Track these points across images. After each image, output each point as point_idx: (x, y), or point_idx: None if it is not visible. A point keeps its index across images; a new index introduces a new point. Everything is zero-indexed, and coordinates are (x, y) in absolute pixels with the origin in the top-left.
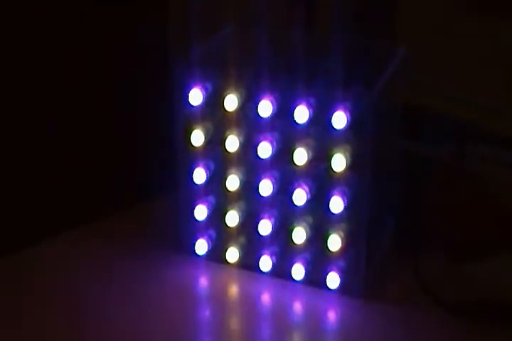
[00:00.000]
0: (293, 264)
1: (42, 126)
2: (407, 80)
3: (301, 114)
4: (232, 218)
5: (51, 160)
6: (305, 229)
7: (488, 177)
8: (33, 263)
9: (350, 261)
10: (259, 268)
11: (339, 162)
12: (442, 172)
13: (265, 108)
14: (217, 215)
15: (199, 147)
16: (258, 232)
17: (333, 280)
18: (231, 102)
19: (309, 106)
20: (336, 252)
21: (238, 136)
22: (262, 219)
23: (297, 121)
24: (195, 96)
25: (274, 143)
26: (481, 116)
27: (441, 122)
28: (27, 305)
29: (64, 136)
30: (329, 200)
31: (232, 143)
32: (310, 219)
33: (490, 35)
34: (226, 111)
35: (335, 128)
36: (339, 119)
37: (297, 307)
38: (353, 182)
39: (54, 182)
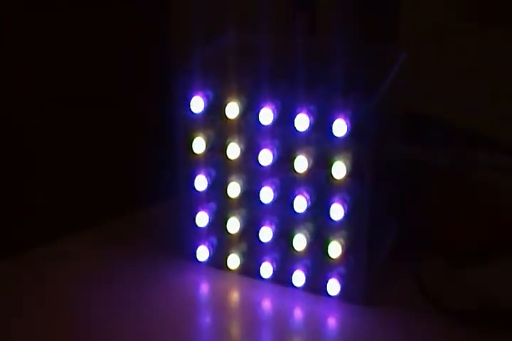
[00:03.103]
0: (293, 271)
1: (44, 129)
2: (408, 87)
3: (302, 121)
4: (233, 225)
5: (54, 164)
6: (305, 236)
7: (488, 183)
8: (33, 265)
9: (351, 267)
10: (259, 274)
11: (339, 169)
12: (443, 179)
13: (266, 115)
14: (218, 222)
15: (200, 154)
16: (259, 239)
17: (334, 286)
18: (232, 110)
19: (310, 113)
20: (337, 259)
21: (239, 143)
22: (262, 225)
23: (298, 128)
24: (197, 104)
25: (275, 151)
26: (481, 122)
27: (442, 128)
28: (27, 305)
29: (67, 141)
30: (329, 207)
31: (233, 150)
32: (310, 226)
33: (490, 44)
34: (227, 118)
35: (335, 136)
36: (340, 127)
37: (298, 313)
38: (354, 189)
39: (56, 185)
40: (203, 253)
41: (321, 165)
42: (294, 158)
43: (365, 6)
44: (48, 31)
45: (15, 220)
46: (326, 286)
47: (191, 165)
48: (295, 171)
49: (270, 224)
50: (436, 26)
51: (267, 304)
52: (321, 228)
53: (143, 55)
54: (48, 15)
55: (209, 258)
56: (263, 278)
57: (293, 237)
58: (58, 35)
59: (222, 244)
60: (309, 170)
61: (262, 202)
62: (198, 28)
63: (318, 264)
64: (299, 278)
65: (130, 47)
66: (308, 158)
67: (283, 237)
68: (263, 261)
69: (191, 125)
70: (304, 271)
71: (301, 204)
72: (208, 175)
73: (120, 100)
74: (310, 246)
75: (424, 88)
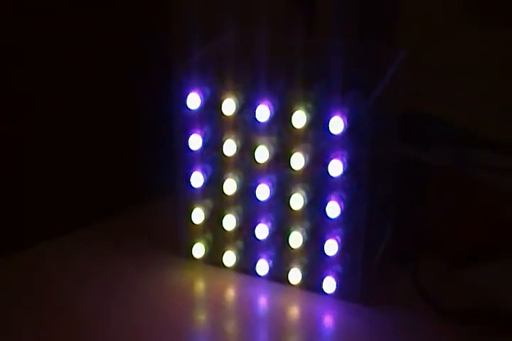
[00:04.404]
0: (290, 268)
1: (44, 127)
2: (406, 85)
3: (299, 118)
4: (230, 222)
5: (53, 162)
6: (302, 234)
7: (488, 183)
8: (33, 264)
9: (347, 265)
10: (255, 272)
11: (336, 167)
12: (441, 178)
13: (263, 112)
14: (214, 219)
15: (197, 151)
16: (255, 236)
17: (330, 284)
18: (229, 106)
19: (307, 110)
20: (333, 257)
21: (236, 140)
22: (259, 223)
23: (295, 125)
24: (193, 100)
25: (272, 148)
26: (480, 121)
27: (440, 127)
28: (27, 305)
29: (65, 139)
30: (326, 205)
31: (230, 147)
32: (307, 223)
33: (490, 44)
34: (224, 115)
35: (332, 133)
36: (337, 124)
37: (294, 311)
38: (350, 187)
39: (54, 183)
40: (199, 250)
41: (318, 163)
42: (291, 155)
43: (365, 5)
44: (47, 31)
45: (14, 219)
46: (322, 284)
47: (188, 161)
48: (292, 168)
49: (266, 222)
50: (436, 26)
51: (262, 301)
52: (317, 225)
53: (142, 54)
54: (47, 16)
55: (205, 255)
56: (259, 276)
57: (289, 235)
58: (58, 35)
59: (218, 241)
60: (306, 168)
61: (258, 199)
62: (197, 28)
63: (314, 262)
64: (295, 275)
65: (130, 46)
66: (304, 155)
67: (279, 234)
68: (259, 259)
69: (188, 121)
70: (300, 269)
71: (297, 201)
72: (204, 172)
73: (118, 98)
74: (306, 243)
75: (424, 88)
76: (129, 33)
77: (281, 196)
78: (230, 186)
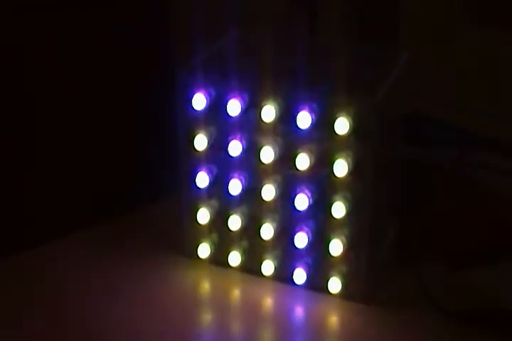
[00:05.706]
0: (295, 268)
1: (44, 127)
2: (410, 87)
3: (304, 119)
4: (235, 222)
5: (54, 163)
6: (307, 234)
7: (488, 184)
8: (33, 265)
9: (352, 265)
10: (261, 272)
11: (341, 167)
12: (443, 179)
13: (268, 113)
14: (219, 219)
15: (202, 151)
16: (260, 236)
17: (335, 284)
18: (234, 107)
19: (312, 111)
20: (338, 257)
21: (241, 140)
22: (264, 223)
23: (300, 126)
24: (199, 101)
25: (277, 148)
26: (481, 123)
27: (441, 128)
28: (27, 305)
29: (65, 139)
30: (331, 205)
31: (235, 147)
32: (312, 223)
33: (489, 45)
34: (229, 115)
35: (337, 134)
36: (341, 125)
37: (299, 311)
38: (355, 187)
39: (55, 184)
40: (204, 250)
41: (323, 163)
42: (296, 156)
43: (366, 5)
44: (47, 31)
45: (14, 220)
46: (327, 284)
47: (193, 162)
48: (297, 169)
49: (271, 222)
50: (436, 26)
51: (268, 301)
52: (322, 226)
53: (143, 54)
54: (48, 16)
55: (210, 255)
56: (264, 276)
57: (294, 235)
58: (59, 36)
59: (223, 241)
60: (311, 168)
61: (263, 200)
62: (198, 28)
63: (319, 262)
64: (300, 275)
65: (130, 46)
66: (310, 155)
67: (284, 235)
68: (265, 259)
69: (193, 122)
70: (305, 269)
71: (302, 201)
72: (209, 172)
73: (121, 98)
74: (311, 243)
75: (425, 88)
76: (129, 33)
77: (286, 196)
78: (235, 186)
